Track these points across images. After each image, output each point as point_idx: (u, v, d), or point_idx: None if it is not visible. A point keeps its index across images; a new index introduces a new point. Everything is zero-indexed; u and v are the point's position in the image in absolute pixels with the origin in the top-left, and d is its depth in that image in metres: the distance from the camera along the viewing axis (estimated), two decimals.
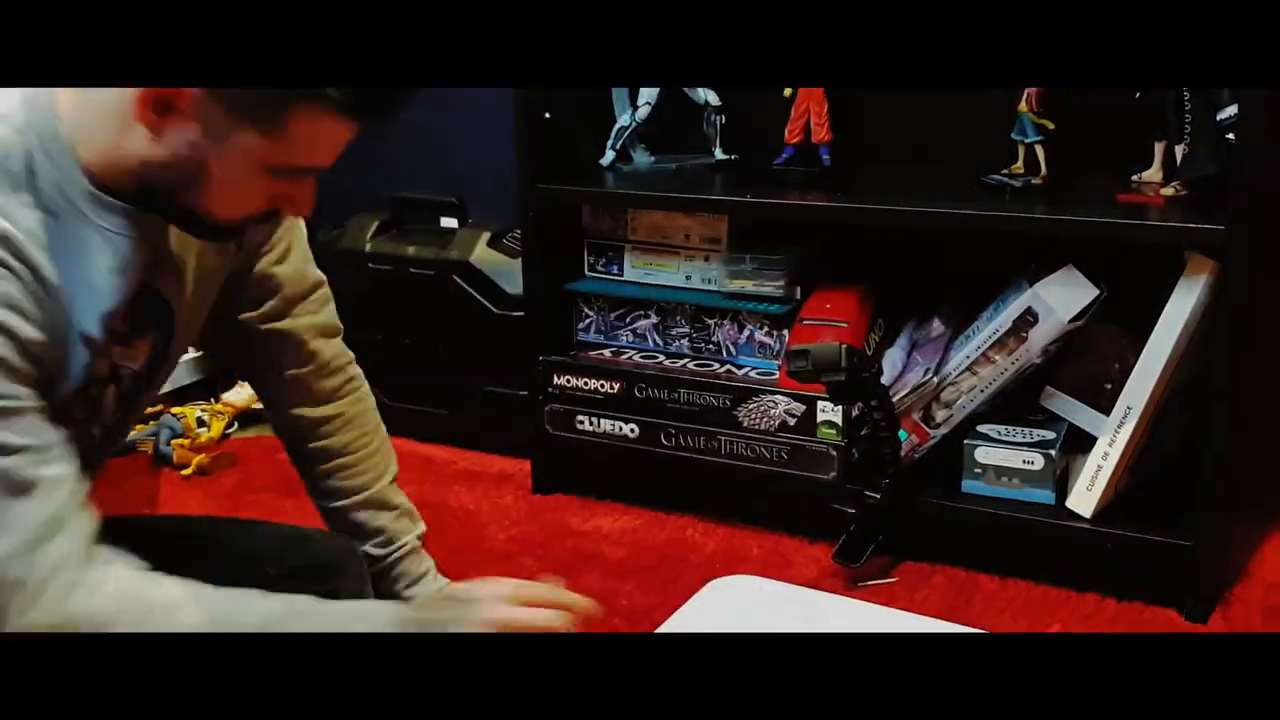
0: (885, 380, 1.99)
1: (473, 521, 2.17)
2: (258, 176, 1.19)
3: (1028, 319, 1.89)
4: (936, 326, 2.07)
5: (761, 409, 2.04)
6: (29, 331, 1.14)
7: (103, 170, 1.20)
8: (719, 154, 2.28)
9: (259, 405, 1.96)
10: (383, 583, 1.53)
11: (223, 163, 1.17)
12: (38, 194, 1.17)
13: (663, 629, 1.55)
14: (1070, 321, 1.88)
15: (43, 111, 1.18)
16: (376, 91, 1.15)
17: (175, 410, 2.52)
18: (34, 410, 1.14)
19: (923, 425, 2.01)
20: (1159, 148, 1.93)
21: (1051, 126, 1.98)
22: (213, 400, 2.60)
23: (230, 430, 2.55)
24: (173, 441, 2.42)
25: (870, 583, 1.93)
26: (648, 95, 2.22)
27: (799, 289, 2.13)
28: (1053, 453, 1.90)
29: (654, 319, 2.23)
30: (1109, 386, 1.90)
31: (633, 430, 2.14)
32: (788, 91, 2.14)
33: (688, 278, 2.18)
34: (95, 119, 1.18)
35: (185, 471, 2.37)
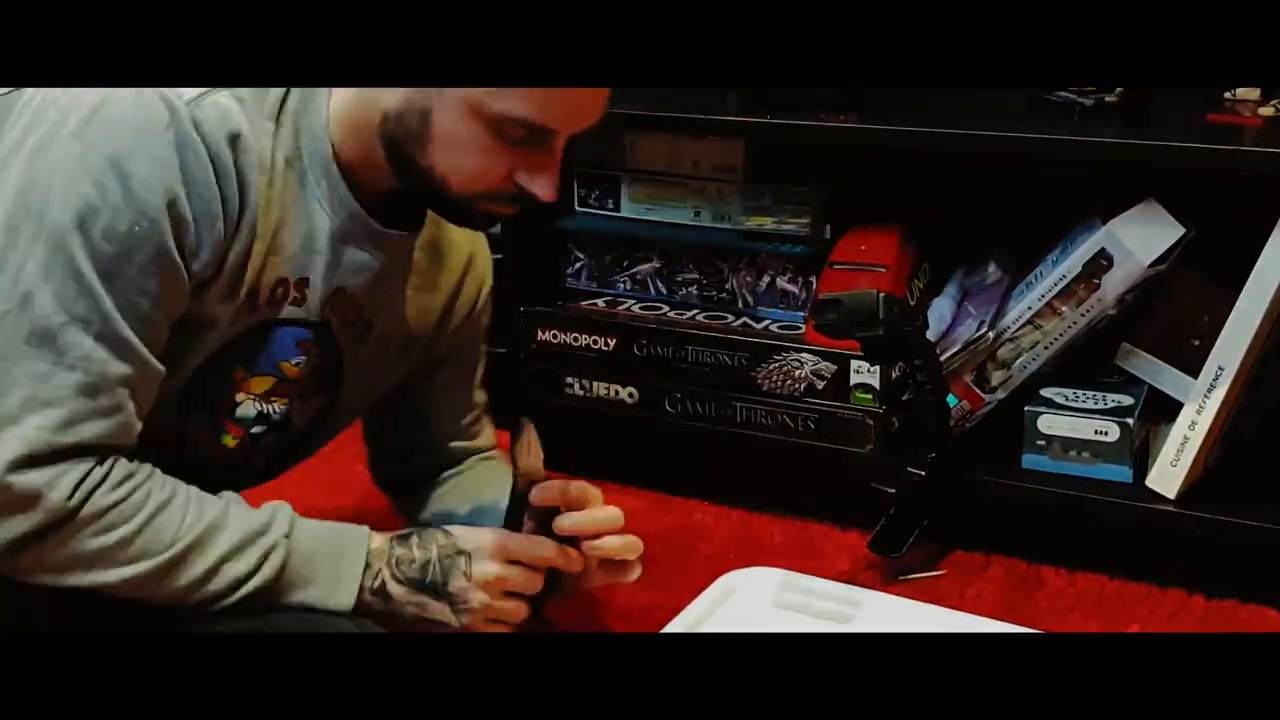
0: (931, 335, 1.98)
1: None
2: (485, 131, 1.33)
3: (1101, 263, 1.88)
4: (992, 272, 2.06)
5: (784, 370, 2.03)
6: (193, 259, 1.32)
7: (350, 130, 1.38)
8: None
9: None
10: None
11: (446, 110, 1.33)
12: (280, 130, 1.35)
13: (668, 630, 1.57)
14: (1151, 266, 1.87)
15: None
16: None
17: None
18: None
19: (976, 389, 1.99)
20: None
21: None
22: None
23: None
24: None
25: (913, 576, 1.92)
26: None
27: (829, 227, 2.11)
28: (1130, 421, 1.89)
29: (656, 263, 2.22)
30: (1196, 343, 1.89)
31: (631, 395, 2.12)
32: None
33: (696, 214, 2.16)
34: None
35: None
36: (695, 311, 2.17)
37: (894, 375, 1.97)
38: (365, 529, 1.45)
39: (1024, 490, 1.92)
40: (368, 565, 1.42)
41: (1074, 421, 1.91)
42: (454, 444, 1.73)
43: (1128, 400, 1.94)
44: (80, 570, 1.31)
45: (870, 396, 1.99)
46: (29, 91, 1.31)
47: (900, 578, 1.91)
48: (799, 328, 2.09)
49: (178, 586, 1.34)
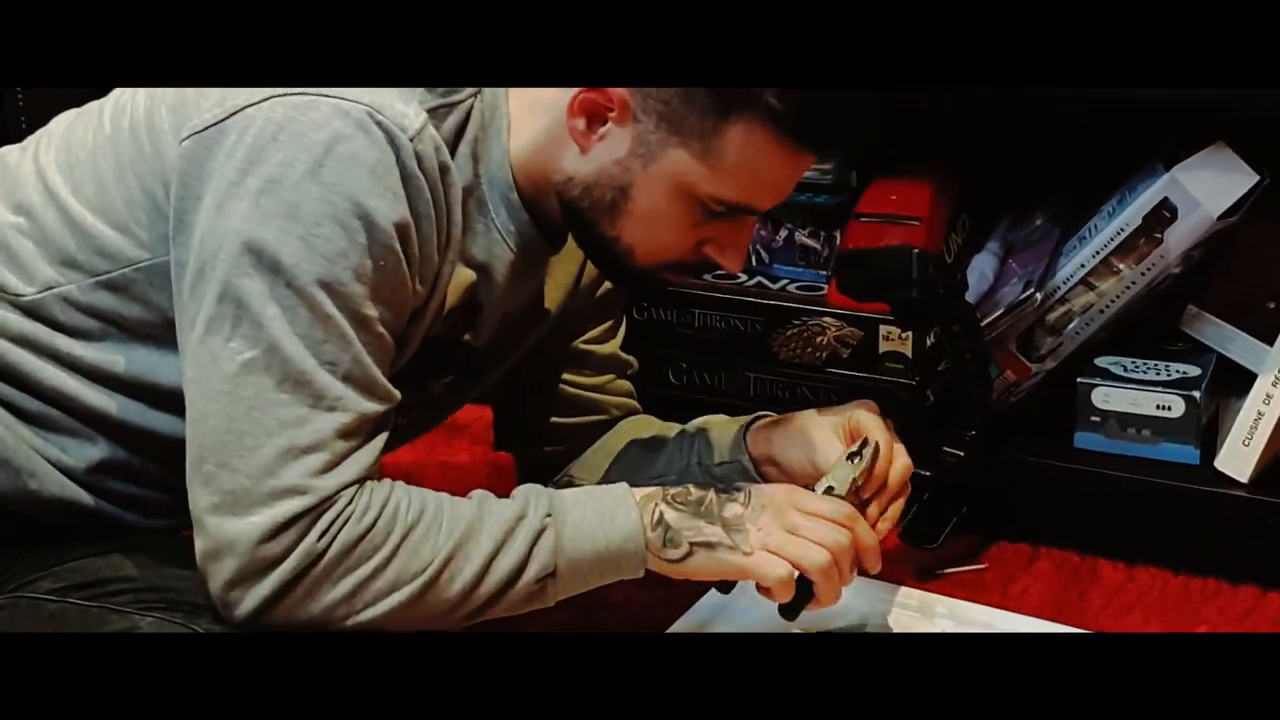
0: (971, 297, 1.97)
1: (453, 481, 2.13)
2: (687, 210, 1.46)
3: (1163, 214, 1.89)
4: (1040, 225, 2.06)
5: (804, 336, 2.03)
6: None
7: (525, 172, 1.49)
8: None
9: None
10: None
11: (650, 187, 1.45)
12: (457, 158, 1.45)
13: (674, 629, 1.64)
14: (1220, 218, 1.88)
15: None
16: (819, 110, 1.41)
17: None
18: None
19: (1022, 358, 2.00)
20: None
21: None
22: None
23: None
24: None
25: (951, 570, 1.92)
26: None
27: (855, 174, 2.10)
28: (1196, 395, 1.90)
29: None
30: (1272, 305, 1.92)
31: (630, 364, 2.08)
32: None
33: None
34: (534, 111, 1.48)
35: None
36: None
37: (929, 342, 1.98)
38: (622, 484, 1.51)
39: (1076, 473, 1.93)
40: (641, 505, 1.48)
41: (1133, 395, 1.92)
42: (593, 395, 1.83)
43: (1194, 371, 1.94)
44: (340, 613, 1.38)
45: (901, 366, 1.98)
46: (237, 127, 1.37)
47: (936, 573, 1.91)
48: (821, 288, 2.07)
49: (449, 599, 1.40)
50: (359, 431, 1.38)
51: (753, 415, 1.72)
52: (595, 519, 1.45)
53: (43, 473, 1.49)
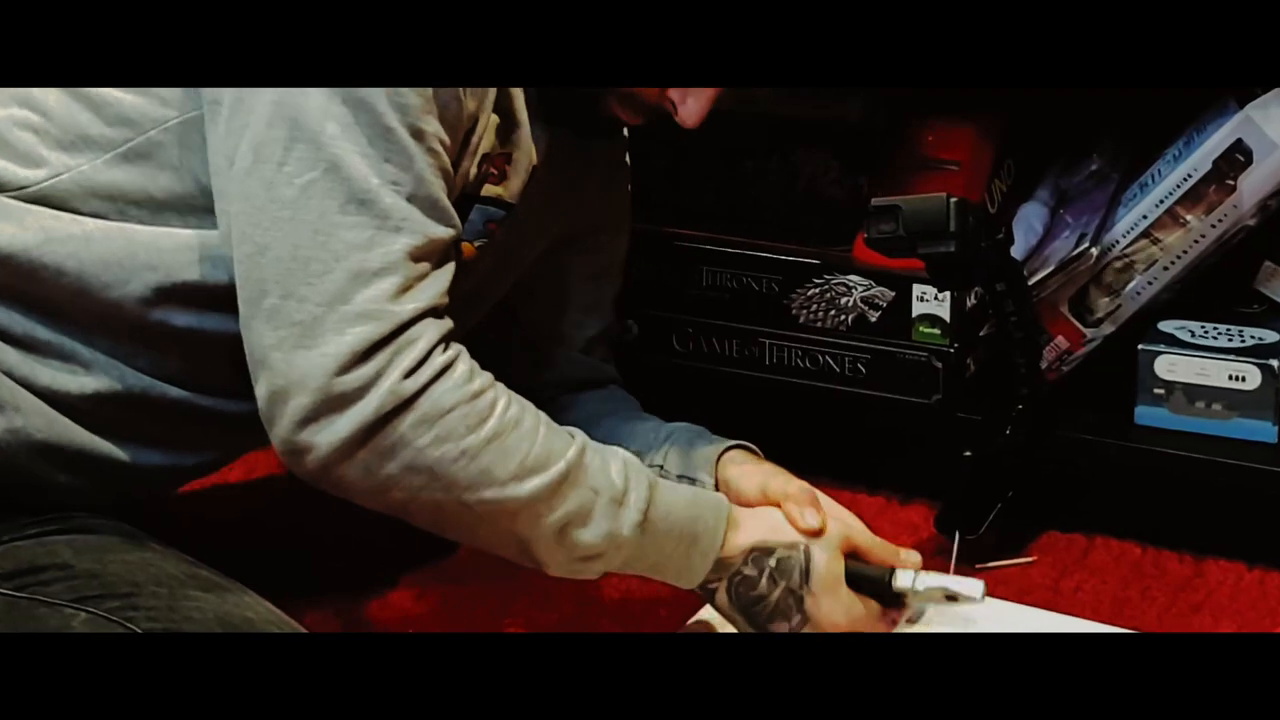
0: (1017, 252, 1.97)
1: None
2: None
3: (1236, 158, 1.89)
4: (1096, 171, 2.07)
5: (827, 297, 2.04)
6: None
7: None
8: None
9: None
10: None
11: None
12: None
13: (689, 624, 1.70)
14: None
15: None
16: None
17: None
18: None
19: (1075, 322, 2.00)
20: None
21: None
22: None
23: None
24: None
25: (994, 564, 1.92)
26: None
27: (884, 112, 2.10)
28: (1274, 364, 1.90)
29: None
30: None
31: (629, 328, 2.12)
32: None
33: None
34: None
35: None
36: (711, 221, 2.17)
37: (969, 304, 1.99)
38: (723, 513, 1.59)
39: (1137, 452, 1.93)
40: (714, 566, 1.57)
41: (1202, 364, 1.92)
42: (578, 358, 1.91)
43: (1271, 336, 1.95)
44: (420, 483, 1.42)
45: (938, 332, 2.00)
46: None
47: (977, 566, 1.90)
48: (846, 243, 2.07)
49: (508, 533, 1.47)
50: (427, 256, 1.43)
51: (733, 443, 1.79)
52: (668, 561, 1.55)
53: (28, 407, 1.52)
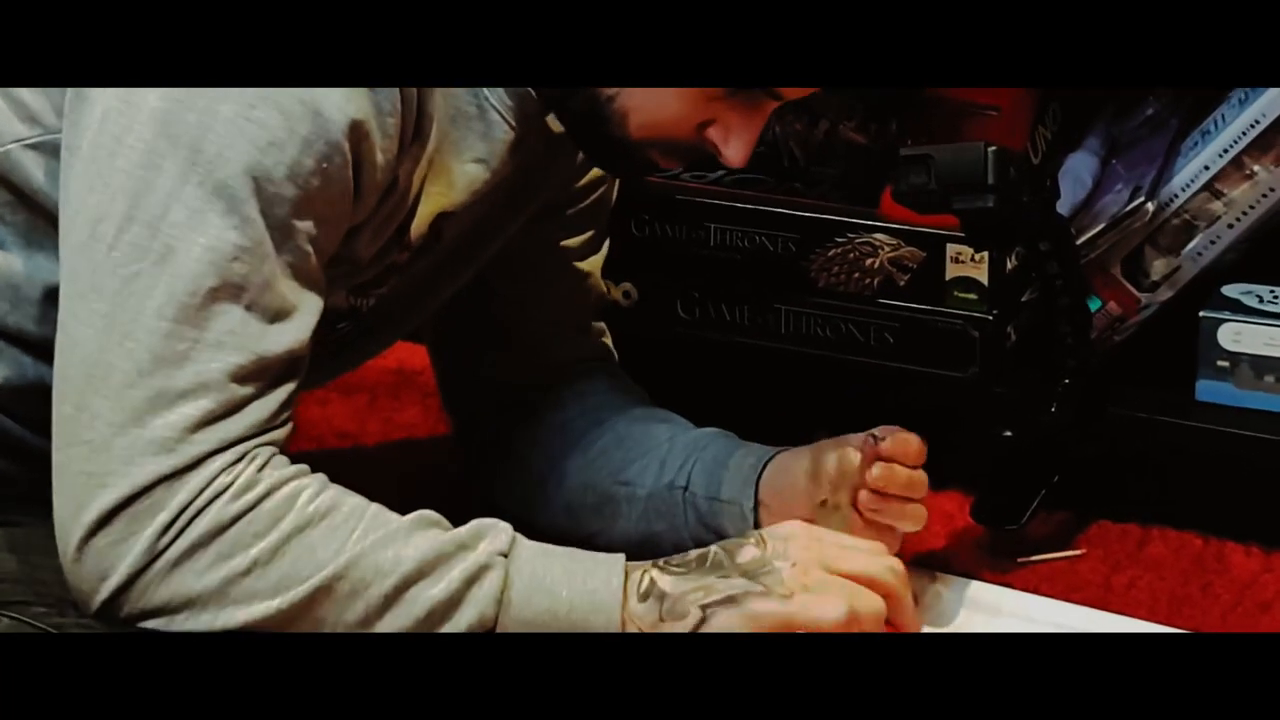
0: (1064, 207, 1.96)
1: (359, 455, 2.17)
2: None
3: None
4: (1152, 116, 2.08)
5: (850, 258, 2.03)
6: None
7: None
8: None
9: None
10: None
11: None
12: None
13: None
14: None
15: None
16: None
17: None
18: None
19: (1129, 285, 2.00)
20: None
21: None
22: None
23: None
24: None
25: (1038, 558, 1.92)
26: None
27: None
28: None
29: None
30: None
31: (627, 294, 2.13)
32: None
33: None
34: None
35: None
36: (720, 173, 2.15)
37: (1009, 266, 1.98)
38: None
39: (1199, 432, 1.94)
40: (627, 573, 1.50)
41: (1270, 333, 1.92)
42: (563, 337, 1.90)
43: None
44: (206, 612, 1.39)
45: (975, 297, 1.99)
46: None
47: (1019, 561, 1.91)
48: (872, 198, 2.08)
49: (344, 622, 1.42)
50: (254, 377, 1.39)
51: (776, 450, 1.75)
52: (563, 575, 1.48)
53: None
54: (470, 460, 1.94)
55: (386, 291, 1.65)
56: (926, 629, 1.68)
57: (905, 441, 1.63)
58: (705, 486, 1.71)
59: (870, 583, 1.53)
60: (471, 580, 1.43)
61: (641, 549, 1.63)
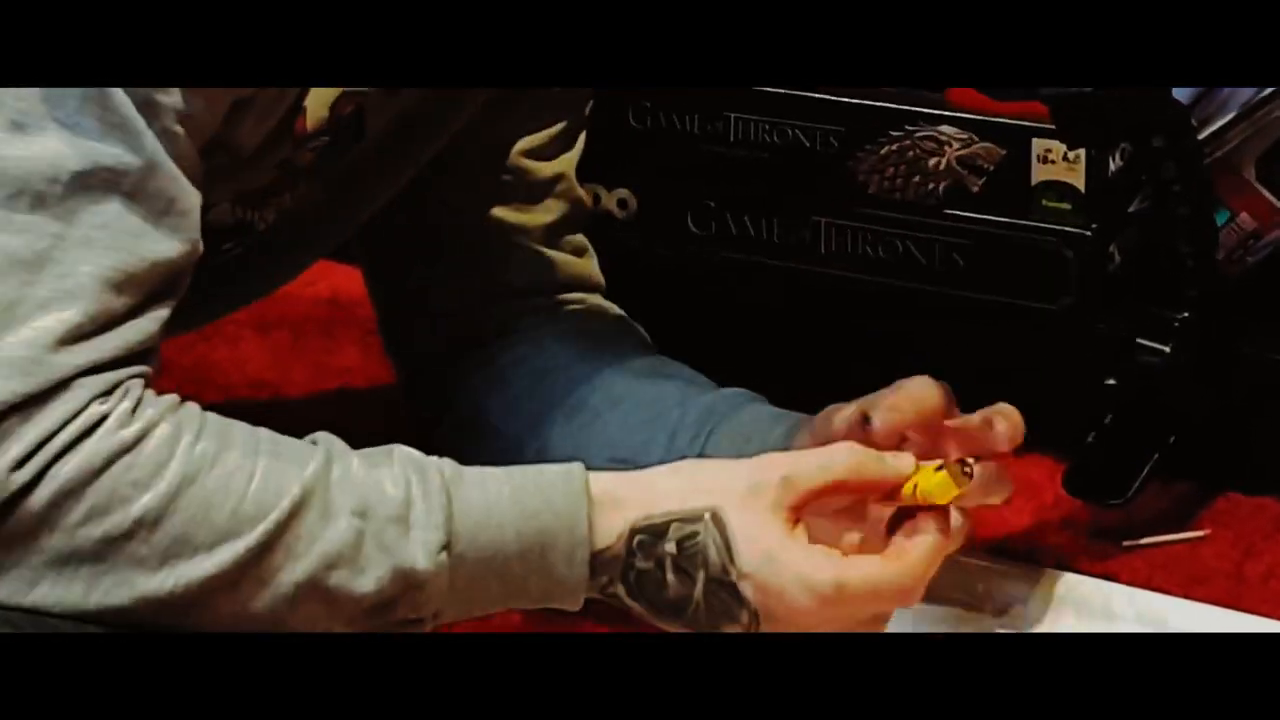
0: (1182, 94, 1.94)
1: (279, 409, 2.21)
2: None
3: None
4: None
5: (908, 157, 2.05)
6: None
7: None
8: None
9: None
10: None
11: None
12: None
13: None
14: None
15: None
16: None
17: None
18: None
19: (1265, 192, 2.02)
20: None
21: None
22: None
23: None
24: None
25: (1151, 540, 1.96)
26: None
27: None
28: None
29: None
30: None
31: (622, 202, 2.17)
32: None
33: None
34: None
35: None
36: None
37: (1113, 167, 1.99)
38: (578, 487, 1.51)
39: None
40: (592, 571, 1.51)
41: None
42: (534, 257, 1.92)
43: None
44: (77, 588, 1.38)
45: (1069, 206, 2.00)
46: None
47: (1125, 544, 1.95)
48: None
49: (242, 613, 1.42)
50: (131, 286, 1.39)
51: (804, 417, 1.75)
52: (512, 479, 1.50)
53: None
54: (421, 417, 1.94)
55: (290, 203, 1.64)
56: (1002, 630, 1.70)
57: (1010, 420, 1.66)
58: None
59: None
60: (404, 585, 1.44)
61: None
